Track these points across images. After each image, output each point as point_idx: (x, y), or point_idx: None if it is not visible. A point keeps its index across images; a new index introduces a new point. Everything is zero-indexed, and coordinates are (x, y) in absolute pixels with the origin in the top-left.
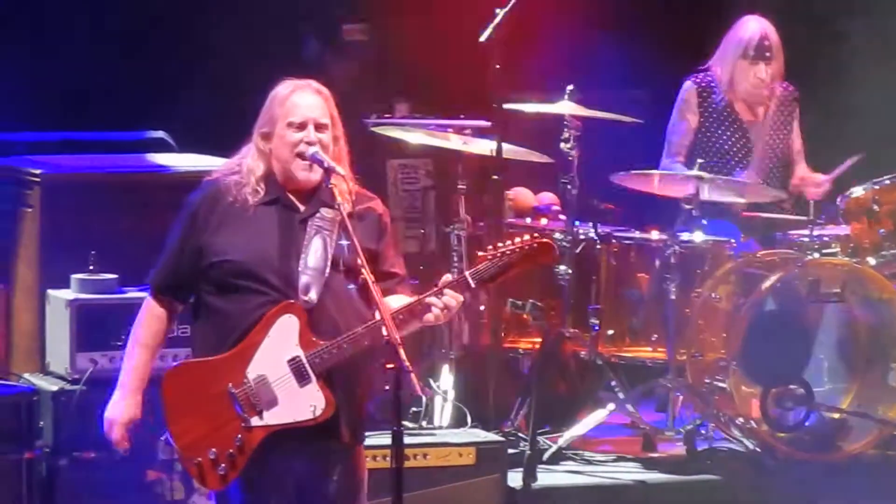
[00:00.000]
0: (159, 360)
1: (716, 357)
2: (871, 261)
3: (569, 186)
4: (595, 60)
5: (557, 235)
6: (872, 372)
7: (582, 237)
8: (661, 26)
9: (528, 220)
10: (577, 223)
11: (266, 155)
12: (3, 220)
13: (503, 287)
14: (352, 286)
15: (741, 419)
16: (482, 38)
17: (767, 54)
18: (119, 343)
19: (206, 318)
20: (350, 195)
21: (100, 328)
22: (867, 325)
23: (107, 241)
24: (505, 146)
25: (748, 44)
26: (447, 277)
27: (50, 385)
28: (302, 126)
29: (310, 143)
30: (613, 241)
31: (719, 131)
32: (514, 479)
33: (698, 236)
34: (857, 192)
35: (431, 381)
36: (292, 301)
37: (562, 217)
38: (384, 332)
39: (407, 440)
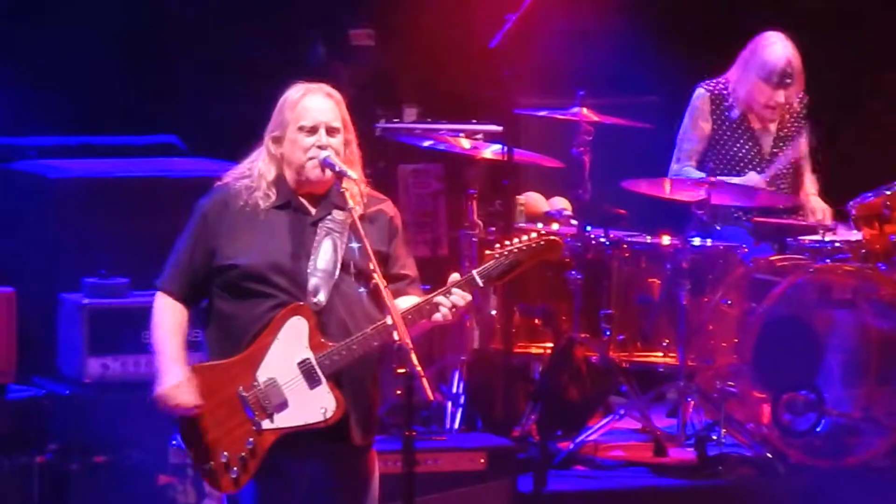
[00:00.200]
0: None
1: (727, 362)
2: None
3: (580, 191)
4: (606, 66)
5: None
6: (884, 377)
7: (593, 242)
8: (672, 32)
9: (540, 225)
10: (588, 228)
11: (277, 159)
12: (15, 224)
13: (514, 291)
14: (362, 289)
15: (752, 425)
16: (492, 45)
17: (788, 81)
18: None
19: (217, 323)
20: (361, 198)
21: (111, 332)
22: (878, 331)
23: (118, 246)
24: (516, 151)
25: (772, 70)
26: (455, 276)
27: (61, 389)
28: (313, 130)
29: (321, 148)
30: (625, 246)
31: (732, 139)
32: (525, 483)
33: (710, 242)
34: (869, 197)
35: (442, 386)
36: (301, 303)
37: (573, 222)
38: (395, 337)
39: (417, 445)
